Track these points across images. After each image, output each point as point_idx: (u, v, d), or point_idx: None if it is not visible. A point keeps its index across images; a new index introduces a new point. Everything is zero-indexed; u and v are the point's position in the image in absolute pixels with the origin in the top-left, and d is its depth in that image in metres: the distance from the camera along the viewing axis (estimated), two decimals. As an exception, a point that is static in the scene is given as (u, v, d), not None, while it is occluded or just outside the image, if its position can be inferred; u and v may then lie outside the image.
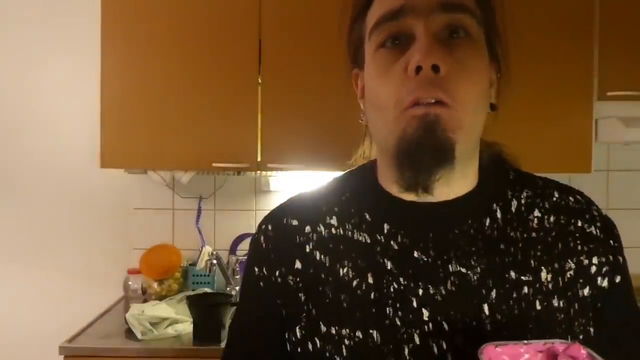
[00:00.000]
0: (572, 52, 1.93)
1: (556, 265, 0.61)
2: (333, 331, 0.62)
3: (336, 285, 0.63)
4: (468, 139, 0.58)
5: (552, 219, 0.64)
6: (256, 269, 0.68)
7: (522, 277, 0.60)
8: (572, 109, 1.94)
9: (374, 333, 0.60)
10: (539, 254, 0.62)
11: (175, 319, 1.80)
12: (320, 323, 0.63)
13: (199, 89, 1.93)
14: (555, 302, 0.60)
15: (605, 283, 0.62)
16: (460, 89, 0.55)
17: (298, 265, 0.65)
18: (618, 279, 0.63)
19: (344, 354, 0.60)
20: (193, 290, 2.16)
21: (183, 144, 1.93)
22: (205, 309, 1.74)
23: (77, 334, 1.74)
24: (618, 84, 1.92)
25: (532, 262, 0.61)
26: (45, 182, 2.27)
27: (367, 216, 0.65)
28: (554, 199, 0.66)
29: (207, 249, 2.12)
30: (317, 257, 0.65)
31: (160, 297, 2.08)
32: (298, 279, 0.65)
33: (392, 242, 0.63)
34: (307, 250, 0.66)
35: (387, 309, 0.60)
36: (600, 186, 2.29)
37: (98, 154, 1.92)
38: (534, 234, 0.63)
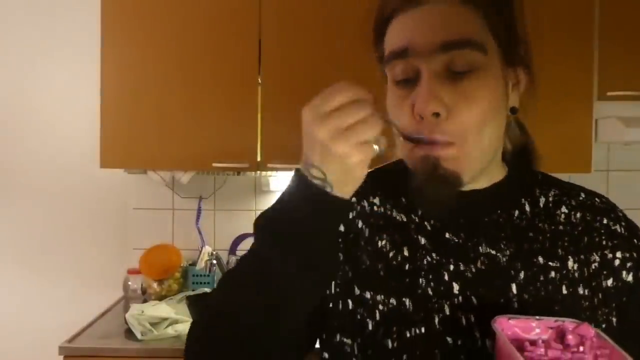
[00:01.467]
0: (572, 52, 1.93)
1: (582, 257, 0.64)
2: (368, 295, 0.65)
3: (374, 254, 0.66)
4: (475, 164, 0.62)
5: (578, 215, 0.68)
6: None
7: (550, 263, 0.64)
8: (572, 109, 1.94)
9: (407, 301, 0.63)
10: (566, 244, 0.65)
11: (175, 319, 1.80)
12: (355, 286, 0.66)
13: (199, 89, 1.93)
14: (580, 290, 0.63)
15: (630, 278, 0.65)
16: (464, 125, 0.59)
17: (341, 227, 0.68)
18: None
19: (377, 318, 0.63)
20: (193, 290, 2.16)
21: (183, 144, 1.93)
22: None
23: (77, 334, 1.74)
24: (618, 84, 1.92)
25: (559, 250, 0.64)
26: (45, 182, 2.27)
27: (404, 200, 0.70)
28: (581, 198, 0.70)
29: (207, 249, 2.12)
30: (359, 226, 0.69)
31: (160, 297, 2.08)
32: (339, 240, 0.68)
33: (425, 223, 0.67)
34: (350, 217, 0.69)
35: (420, 279, 0.64)
36: (600, 186, 2.29)
37: (98, 154, 1.92)
38: (561, 227, 0.67)
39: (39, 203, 2.28)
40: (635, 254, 0.66)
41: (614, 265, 0.65)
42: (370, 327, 0.63)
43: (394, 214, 0.69)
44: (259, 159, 1.94)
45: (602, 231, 0.67)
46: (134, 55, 1.94)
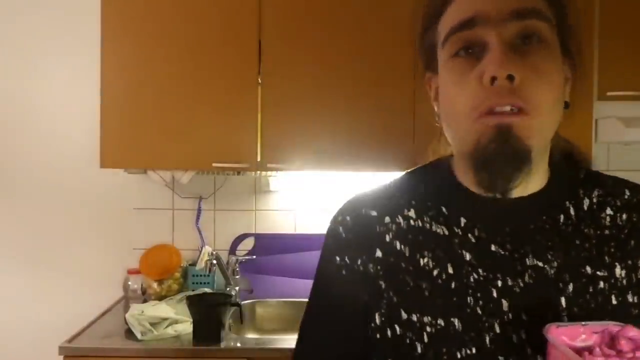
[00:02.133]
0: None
1: (630, 262, 0.63)
2: (414, 318, 0.63)
3: (417, 274, 0.64)
4: (542, 143, 0.60)
5: (624, 216, 0.65)
6: (337, 258, 0.69)
7: (598, 273, 0.62)
8: (572, 109, 1.93)
9: (456, 321, 0.61)
10: (612, 250, 0.63)
11: (175, 319, 1.80)
12: (401, 310, 0.64)
13: (199, 89, 1.93)
14: (630, 298, 0.61)
15: None
16: (536, 96, 0.56)
17: (379, 253, 0.67)
18: None
19: (425, 340, 0.62)
20: (193, 290, 2.16)
21: (183, 144, 1.93)
22: (205, 309, 1.74)
23: (77, 334, 1.74)
24: (618, 84, 1.92)
25: (606, 258, 0.63)
26: (45, 182, 2.27)
27: (444, 209, 0.66)
28: (626, 197, 0.67)
29: (207, 249, 2.12)
30: (397, 247, 0.66)
31: (160, 297, 2.08)
32: (379, 267, 0.66)
33: (469, 235, 0.64)
34: (387, 239, 0.67)
35: (468, 298, 0.62)
36: (600, 186, 2.29)
37: (98, 154, 1.92)
38: (606, 231, 0.64)
39: (38, 203, 2.28)
40: None
41: None
42: (419, 350, 0.62)
43: (434, 227, 0.66)
44: (259, 159, 1.94)
45: None
46: (134, 55, 1.94)
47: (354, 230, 0.69)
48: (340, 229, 0.70)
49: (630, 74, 1.92)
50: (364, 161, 1.93)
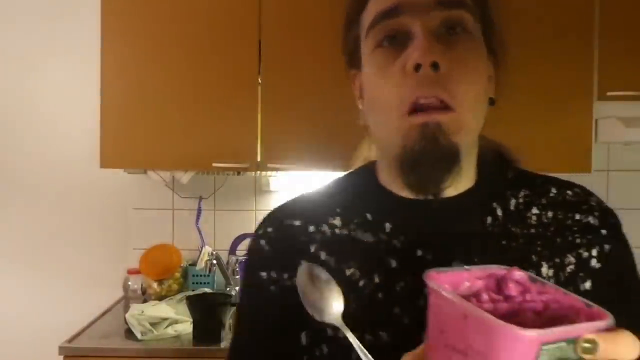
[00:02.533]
0: (572, 52, 1.93)
1: (557, 260, 0.61)
2: (341, 335, 0.58)
3: (343, 285, 0.59)
4: (469, 140, 0.58)
5: (549, 214, 0.64)
6: (263, 274, 0.65)
7: None
8: (572, 109, 1.94)
9: (384, 335, 0.58)
10: (539, 249, 0.61)
11: (175, 319, 1.80)
12: (327, 329, 0.60)
13: (199, 89, 1.93)
14: None
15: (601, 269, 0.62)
16: (461, 87, 0.55)
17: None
18: (603, 262, 0.62)
19: (353, 357, 0.56)
20: (193, 290, 2.16)
21: (183, 144, 1.93)
22: (205, 309, 1.74)
23: (77, 334, 1.74)
24: (618, 84, 1.92)
25: (533, 257, 0.61)
26: (45, 182, 2.27)
27: (369, 216, 0.64)
28: (551, 194, 0.66)
29: (207, 249, 2.12)
30: (322, 258, 0.63)
31: (160, 297, 2.08)
32: None
33: (394, 241, 0.61)
34: (312, 250, 0.64)
35: (395, 309, 0.59)
36: (600, 186, 2.29)
37: (98, 154, 1.92)
38: (533, 230, 0.62)
39: (38, 203, 2.28)
40: (606, 246, 0.62)
41: (590, 265, 0.61)
42: None
43: (360, 235, 0.63)
44: (259, 159, 1.94)
45: (575, 228, 0.63)
46: (134, 55, 1.94)
47: (277, 242, 0.66)
48: (263, 242, 0.66)
49: (630, 74, 1.92)
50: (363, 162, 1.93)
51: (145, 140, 1.93)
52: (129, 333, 1.75)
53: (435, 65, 0.53)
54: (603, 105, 1.95)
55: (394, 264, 0.61)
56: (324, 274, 0.56)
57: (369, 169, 0.69)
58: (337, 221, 0.65)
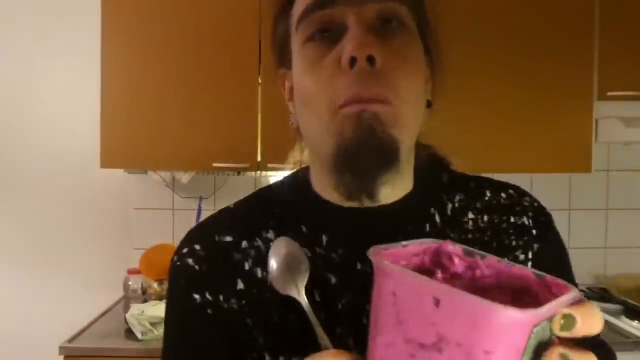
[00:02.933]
0: (572, 52, 1.93)
1: None
2: None
3: (282, 306, 0.55)
4: (410, 136, 0.54)
5: (485, 218, 0.62)
6: (197, 296, 0.58)
7: None
8: (572, 109, 1.94)
9: None
10: None
11: (175, 319, 1.80)
12: (266, 354, 0.55)
13: (199, 89, 1.93)
14: None
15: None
16: (400, 82, 0.51)
17: (241, 285, 0.58)
18: (534, 262, 0.60)
19: None
20: (193, 290, 2.15)
21: (183, 144, 1.93)
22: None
23: (77, 334, 1.74)
24: (618, 84, 1.92)
25: None
26: (45, 182, 2.27)
27: (304, 228, 0.59)
28: (486, 198, 0.64)
29: (207, 249, 2.12)
30: (259, 275, 0.57)
31: (160, 297, 2.07)
32: (243, 302, 0.57)
33: (333, 255, 0.57)
34: (247, 268, 0.58)
35: (337, 328, 0.54)
36: (600, 186, 2.29)
37: (98, 154, 1.92)
38: (470, 235, 0.61)
39: (38, 203, 2.28)
40: (536, 246, 0.60)
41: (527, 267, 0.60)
42: None
43: None
44: (259, 159, 1.94)
45: (511, 231, 0.61)
46: (134, 55, 1.94)
47: (208, 260, 0.59)
48: (190, 261, 0.59)
49: (630, 74, 1.92)
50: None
51: (145, 140, 1.93)
52: (129, 333, 1.75)
53: (371, 59, 0.49)
54: (603, 105, 1.95)
55: (333, 279, 0.56)
56: (298, 251, 0.54)
57: (302, 176, 0.65)
58: (271, 234, 0.60)
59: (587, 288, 2.11)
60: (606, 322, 1.87)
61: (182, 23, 1.94)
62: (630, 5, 1.94)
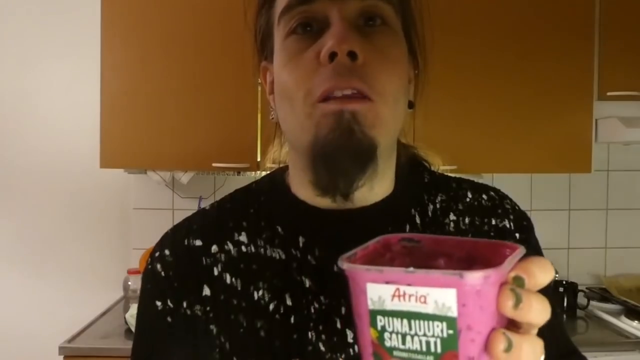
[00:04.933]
0: (572, 52, 1.93)
1: None
2: None
3: (251, 311, 0.55)
4: (389, 136, 0.54)
5: (467, 220, 0.61)
6: (159, 303, 0.57)
7: None
8: (572, 109, 1.94)
9: None
10: None
11: (175, 319, 1.80)
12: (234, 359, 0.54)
13: (199, 89, 1.93)
14: None
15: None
16: (380, 79, 0.50)
17: (207, 291, 0.56)
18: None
19: None
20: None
21: (183, 144, 1.93)
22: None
23: (77, 334, 1.74)
24: (618, 84, 1.92)
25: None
26: (45, 182, 2.27)
27: (280, 229, 0.58)
28: (467, 199, 0.63)
29: (207, 249, 2.12)
30: (228, 281, 0.56)
31: (160, 297, 2.07)
32: (208, 308, 0.56)
33: (309, 257, 0.56)
34: (216, 273, 0.57)
35: (310, 333, 0.54)
36: (600, 186, 2.29)
37: (98, 154, 1.92)
38: None
39: (38, 203, 2.28)
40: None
41: None
42: None
43: (269, 251, 0.57)
44: (259, 159, 1.94)
45: (492, 234, 0.61)
46: (134, 55, 1.94)
47: (175, 266, 0.58)
48: (159, 266, 0.58)
49: (630, 74, 1.93)
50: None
51: (145, 140, 1.93)
52: (129, 333, 1.75)
53: (352, 55, 0.49)
54: (603, 105, 1.95)
55: (307, 283, 0.55)
56: None
57: (279, 176, 0.64)
58: (243, 237, 0.58)
59: (587, 288, 2.11)
60: (606, 322, 1.87)
61: (181, 23, 1.93)
62: (630, 5, 1.94)
